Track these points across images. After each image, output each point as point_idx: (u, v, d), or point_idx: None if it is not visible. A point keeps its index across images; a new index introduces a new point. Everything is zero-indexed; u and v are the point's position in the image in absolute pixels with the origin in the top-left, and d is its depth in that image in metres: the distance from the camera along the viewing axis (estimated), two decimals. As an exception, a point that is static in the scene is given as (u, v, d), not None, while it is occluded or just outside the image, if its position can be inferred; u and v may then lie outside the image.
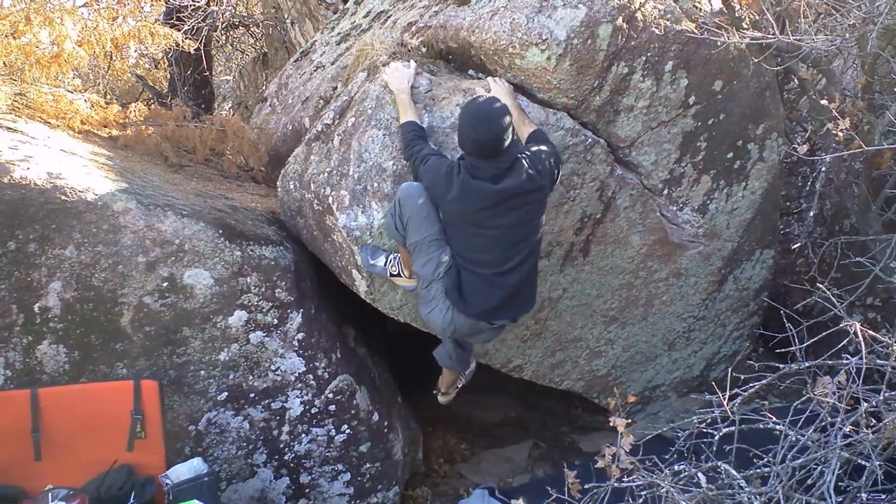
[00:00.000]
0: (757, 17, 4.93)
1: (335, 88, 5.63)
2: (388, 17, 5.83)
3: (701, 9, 4.93)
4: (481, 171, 4.05)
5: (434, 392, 5.27)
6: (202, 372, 4.74)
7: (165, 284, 4.61)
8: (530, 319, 5.13)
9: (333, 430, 5.07)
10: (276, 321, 4.85)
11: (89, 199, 4.53)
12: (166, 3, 9.24)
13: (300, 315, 4.92)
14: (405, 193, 4.20)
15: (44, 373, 4.49)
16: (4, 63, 6.08)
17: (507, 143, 4.04)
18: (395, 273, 4.50)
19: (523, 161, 4.08)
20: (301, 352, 4.92)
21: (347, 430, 5.09)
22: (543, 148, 4.21)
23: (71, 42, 5.94)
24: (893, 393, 3.61)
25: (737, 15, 4.95)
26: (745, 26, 4.86)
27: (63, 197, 4.48)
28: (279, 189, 5.24)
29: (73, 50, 5.98)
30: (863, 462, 3.56)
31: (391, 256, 4.50)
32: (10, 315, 4.42)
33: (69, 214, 4.48)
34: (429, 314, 4.38)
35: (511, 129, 4.08)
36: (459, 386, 5.19)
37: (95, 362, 4.56)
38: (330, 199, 4.62)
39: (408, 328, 5.00)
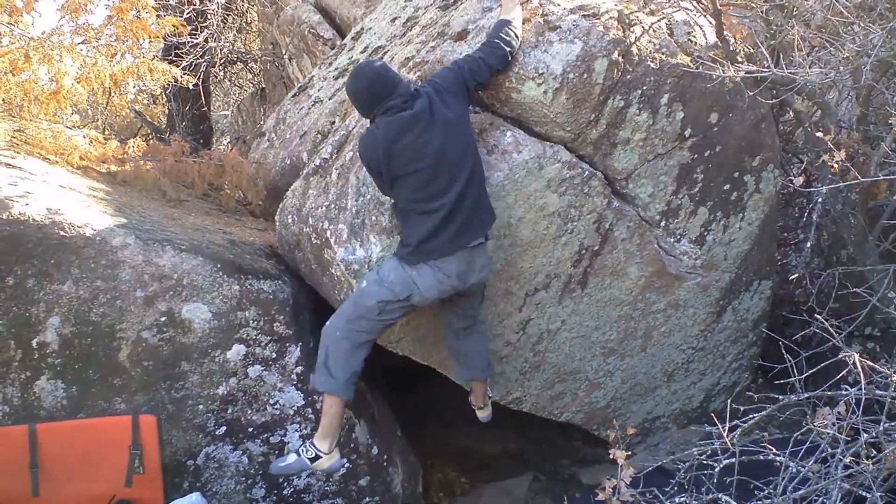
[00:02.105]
0: (751, 51, 4.97)
1: (333, 123, 5.65)
2: (385, 52, 5.86)
3: (696, 42, 4.97)
4: (387, 114, 4.13)
5: (474, 408, 5.15)
6: (200, 406, 4.72)
7: (164, 319, 4.62)
8: (529, 352, 5.13)
9: (332, 465, 5.05)
10: (274, 355, 4.85)
11: (88, 234, 4.55)
12: (165, 39, 9.29)
13: (298, 349, 4.92)
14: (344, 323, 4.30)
15: (42, 408, 4.49)
16: (3, 100, 6.11)
17: (387, 84, 4.14)
18: (313, 456, 4.38)
19: (423, 90, 4.18)
20: (300, 385, 4.92)
21: (346, 464, 5.06)
22: (453, 66, 4.32)
23: (70, 79, 5.97)
24: (893, 423, 3.60)
25: (732, 48, 4.99)
26: (740, 60, 4.89)
27: (61, 232, 4.49)
28: (277, 223, 5.25)
29: (72, 86, 6.01)
30: (864, 493, 3.54)
31: (301, 448, 4.45)
32: (9, 350, 4.42)
33: (67, 250, 4.49)
34: (422, 291, 4.20)
35: (390, 75, 4.19)
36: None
37: (93, 397, 4.55)
38: (328, 232, 4.63)
39: (406, 362, 5.00)
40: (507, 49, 4.34)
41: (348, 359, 4.28)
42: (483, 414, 5.13)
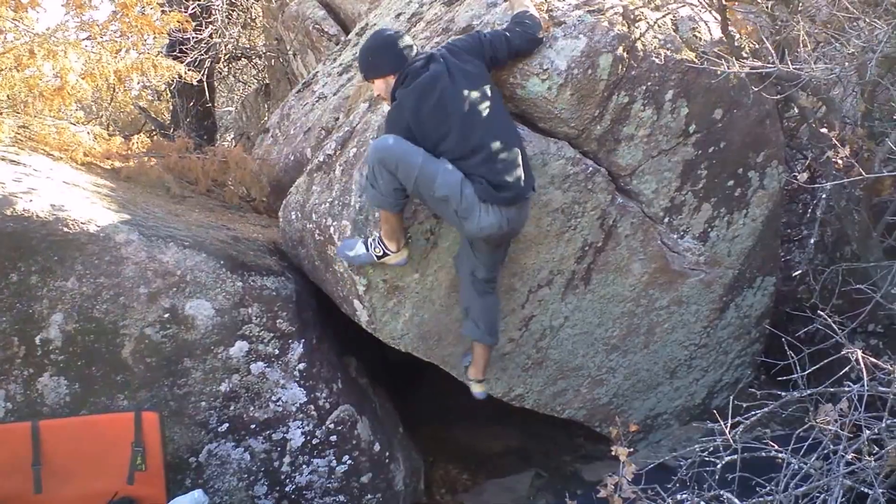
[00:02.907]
0: (756, 47, 4.95)
1: (337, 119, 5.66)
2: (390, 48, 5.85)
3: (701, 38, 4.96)
4: (404, 84, 4.17)
5: (469, 381, 5.03)
6: (203, 403, 4.73)
7: (167, 315, 4.62)
8: (531, 349, 5.13)
9: (335, 461, 5.05)
10: (277, 351, 4.85)
11: (91, 230, 4.55)
12: (169, 35, 9.30)
13: (301, 345, 4.92)
14: (398, 153, 4.13)
15: (44, 405, 4.49)
16: (8, 96, 6.12)
17: (401, 48, 4.23)
18: (381, 254, 4.39)
19: (438, 53, 4.23)
20: (302, 382, 4.92)
21: (349, 461, 5.06)
22: (474, 34, 4.39)
23: (74, 75, 5.97)
24: (896, 420, 3.60)
25: (736, 44, 4.97)
26: (745, 55, 4.88)
27: (65, 229, 4.49)
28: (281, 219, 5.25)
29: (77, 82, 6.01)
30: (866, 490, 3.54)
31: (369, 240, 4.44)
32: (12, 347, 4.43)
33: (71, 246, 4.50)
34: (481, 224, 4.14)
35: (403, 40, 4.27)
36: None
37: (96, 394, 4.56)
38: (331, 229, 4.63)
39: (409, 358, 5.00)
40: (536, 34, 4.38)
41: (395, 181, 4.14)
42: (478, 389, 5.03)
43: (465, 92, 4.10)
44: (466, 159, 4.10)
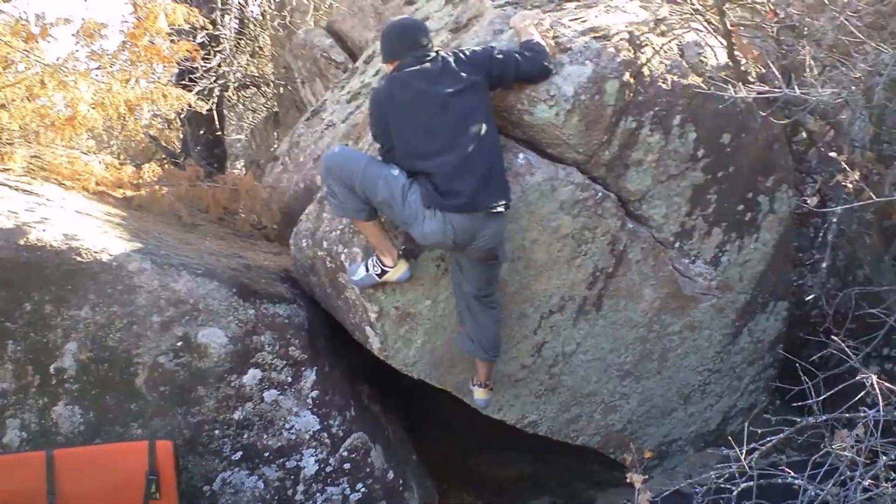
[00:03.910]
0: (763, 71, 4.97)
1: (346, 146, 5.67)
2: (399, 75, 5.88)
3: (707, 63, 4.98)
4: (404, 68, 4.25)
5: (472, 387, 4.97)
6: (216, 431, 4.73)
7: (180, 344, 4.63)
8: (544, 375, 5.12)
9: (348, 489, 5.03)
10: (290, 379, 4.86)
11: (104, 259, 4.57)
12: (178, 64, 9.35)
13: (314, 373, 4.92)
14: (340, 161, 4.32)
15: (59, 434, 4.50)
16: (20, 126, 6.16)
17: (408, 38, 4.32)
18: (380, 272, 4.42)
19: (444, 54, 4.29)
20: (315, 410, 4.92)
21: (362, 489, 5.05)
22: (488, 48, 4.41)
23: (85, 104, 6.02)
24: (912, 445, 3.58)
25: (743, 69, 5.00)
26: (752, 80, 4.90)
27: (78, 258, 4.52)
28: (292, 247, 5.26)
29: (88, 112, 6.06)
30: (883, 516, 3.52)
31: (369, 261, 4.47)
32: (26, 376, 4.44)
33: (84, 275, 4.52)
34: (424, 231, 4.16)
35: (412, 31, 4.37)
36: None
37: (110, 423, 4.56)
38: (342, 256, 4.65)
39: (422, 384, 4.99)
40: (547, 62, 4.42)
41: (348, 189, 4.28)
42: (480, 395, 4.97)
43: (446, 95, 4.14)
44: (425, 159, 4.14)
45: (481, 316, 4.60)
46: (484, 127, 4.18)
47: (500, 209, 4.19)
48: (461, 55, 4.29)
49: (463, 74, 4.20)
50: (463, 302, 4.61)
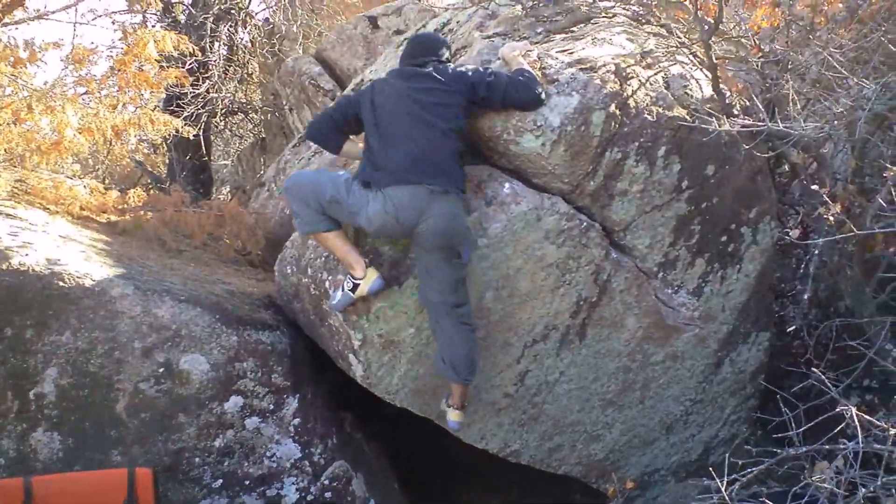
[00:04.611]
0: (747, 104, 5.01)
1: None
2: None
3: (692, 96, 5.02)
4: (396, 71, 4.59)
5: (442, 409, 4.85)
6: (197, 459, 4.70)
7: (161, 370, 4.62)
8: (527, 404, 5.11)
9: (330, 518, 5.01)
10: (272, 406, 4.84)
11: (87, 284, 4.57)
12: (166, 90, 9.38)
13: (296, 400, 4.91)
14: (295, 180, 4.57)
15: (38, 461, 4.47)
16: (6, 150, 6.16)
17: (416, 48, 4.63)
18: (352, 287, 4.44)
19: (442, 67, 4.49)
20: (297, 437, 4.90)
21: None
22: (480, 69, 4.54)
23: (72, 130, 6.02)
24: (892, 478, 3.58)
25: (728, 102, 5.04)
26: (736, 113, 4.94)
27: (61, 283, 4.51)
28: (276, 273, 5.26)
29: (74, 137, 6.06)
30: (863, 548, 3.52)
31: (343, 283, 4.50)
32: (6, 402, 4.41)
33: (67, 300, 4.50)
34: (368, 214, 4.27)
35: (424, 44, 4.67)
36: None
37: (90, 450, 4.53)
38: (327, 283, 4.65)
39: (405, 412, 4.98)
40: (538, 91, 4.46)
41: (307, 207, 4.43)
42: (454, 418, 4.80)
43: (413, 91, 4.36)
44: (381, 151, 4.33)
45: (452, 331, 4.51)
46: (441, 127, 4.30)
47: (441, 190, 4.24)
48: (455, 70, 4.43)
49: (442, 79, 4.35)
50: (433, 316, 4.54)
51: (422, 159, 4.24)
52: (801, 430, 3.99)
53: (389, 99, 4.39)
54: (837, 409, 3.60)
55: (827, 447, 3.95)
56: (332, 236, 4.45)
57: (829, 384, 3.94)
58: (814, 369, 4.21)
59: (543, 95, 4.48)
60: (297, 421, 4.89)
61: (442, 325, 4.50)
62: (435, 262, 4.38)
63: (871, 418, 3.57)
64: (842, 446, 3.69)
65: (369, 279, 4.41)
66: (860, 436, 3.51)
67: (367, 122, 4.42)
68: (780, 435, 4.22)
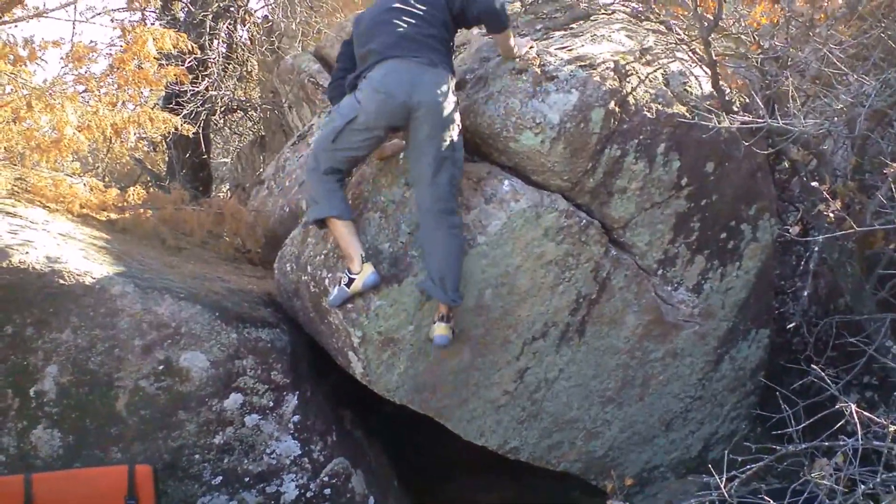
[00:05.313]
0: (747, 101, 5.02)
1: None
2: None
3: (692, 93, 5.02)
4: None
5: (433, 323, 4.65)
6: (197, 456, 4.70)
7: (161, 367, 4.61)
8: (526, 401, 5.12)
9: (329, 515, 5.01)
10: (271, 404, 4.84)
11: (87, 282, 4.56)
12: (165, 88, 9.38)
13: (296, 397, 4.91)
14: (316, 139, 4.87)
15: (38, 458, 4.46)
16: (5, 148, 6.16)
17: None
18: (348, 282, 4.45)
19: None
20: (296, 435, 4.90)
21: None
22: None
23: (71, 128, 6.02)
24: (891, 474, 3.58)
25: (727, 98, 5.04)
26: (736, 109, 4.95)
27: (61, 281, 4.50)
28: (276, 271, 5.26)
29: (74, 135, 6.06)
30: (862, 544, 3.53)
31: (340, 279, 4.53)
32: (6, 399, 4.41)
33: (67, 298, 4.50)
34: (364, 107, 4.42)
35: None
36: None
37: (90, 447, 4.53)
38: (326, 280, 4.65)
39: (405, 410, 4.98)
40: (500, 12, 4.59)
41: (321, 183, 4.56)
42: (440, 332, 4.60)
43: (401, 2, 4.59)
44: (366, 46, 4.60)
45: (447, 241, 4.46)
46: (425, 16, 4.58)
47: (428, 62, 4.43)
48: None
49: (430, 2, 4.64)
50: (427, 227, 4.50)
51: (406, 38, 4.46)
52: (800, 426, 3.99)
53: (374, 9, 4.68)
54: (837, 406, 3.60)
55: (826, 444, 3.95)
56: (341, 224, 4.47)
57: (828, 381, 3.94)
58: (813, 366, 4.21)
59: (503, 20, 4.62)
60: (296, 418, 4.89)
61: (436, 236, 4.47)
62: (430, 154, 4.43)
63: (870, 415, 3.57)
64: (841, 443, 3.69)
65: (364, 273, 4.41)
66: (860, 433, 3.51)
67: (356, 38, 4.72)
68: (779, 432, 4.22)
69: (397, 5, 4.56)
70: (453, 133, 4.45)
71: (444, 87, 4.41)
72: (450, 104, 4.43)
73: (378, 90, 4.35)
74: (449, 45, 4.64)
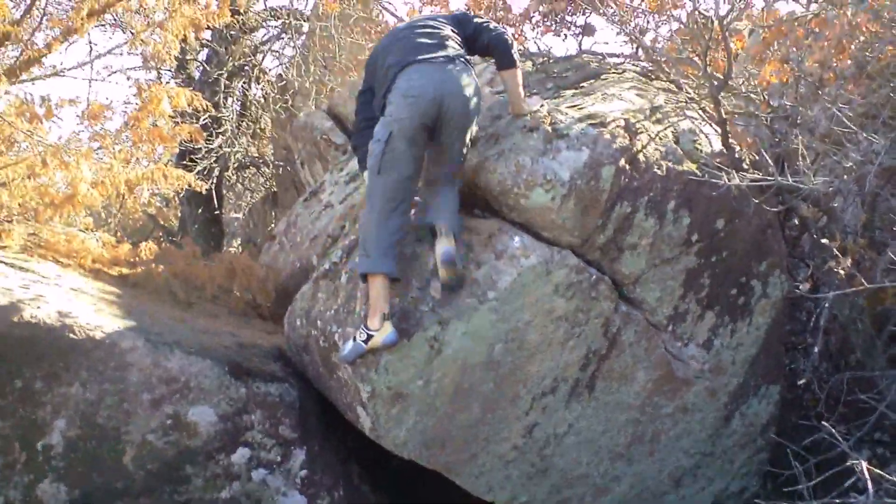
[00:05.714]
0: (756, 158, 5.04)
1: (343, 227, 5.73)
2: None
3: (702, 150, 5.05)
4: None
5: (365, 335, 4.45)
6: (204, 511, 4.68)
7: (169, 422, 4.61)
8: (535, 456, 5.08)
9: (336, 572, 4.96)
10: (279, 458, 4.82)
11: (97, 337, 4.58)
12: (179, 145, 9.48)
13: (304, 452, 4.89)
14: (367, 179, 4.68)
15: (43, 512, 4.45)
16: (20, 204, 6.21)
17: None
18: (365, 339, 4.38)
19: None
20: (304, 490, 4.87)
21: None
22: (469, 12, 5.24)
23: (86, 184, 6.07)
24: (904, 532, 3.55)
25: (737, 156, 5.07)
26: (746, 166, 4.97)
27: (72, 335, 4.52)
28: (286, 326, 5.27)
29: (88, 192, 6.11)
30: None
31: (355, 334, 4.45)
32: (13, 453, 4.40)
33: (77, 352, 4.52)
34: (395, 114, 4.47)
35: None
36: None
37: (96, 501, 4.50)
38: (336, 336, 4.66)
39: (414, 464, 4.95)
40: (511, 45, 4.78)
41: (379, 231, 4.46)
42: (445, 273, 4.55)
43: (413, 28, 4.76)
44: (384, 68, 4.70)
45: (451, 196, 4.70)
46: (441, 33, 4.73)
47: (447, 59, 4.59)
48: (447, 18, 4.95)
49: (441, 20, 4.86)
50: (434, 190, 4.72)
51: (423, 44, 4.61)
52: (811, 483, 3.97)
53: (385, 40, 4.91)
54: (848, 463, 3.59)
55: (838, 501, 3.92)
56: (382, 281, 4.43)
57: (839, 437, 3.92)
58: (824, 423, 4.20)
59: (510, 50, 4.77)
60: (304, 473, 4.87)
61: (444, 193, 4.69)
62: (459, 140, 4.61)
63: (881, 472, 3.55)
64: (852, 500, 3.67)
65: (385, 332, 4.40)
66: (871, 490, 3.49)
67: (371, 71, 4.89)
68: (790, 489, 4.19)
69: (415, 30, 4.73)
70: (475, 123, 4.71)
71: (468, 79, 4.56)
72: (475, 96, 4.59)
73: (406, 95, 4.44)
74: (465, 48, 4.79)
